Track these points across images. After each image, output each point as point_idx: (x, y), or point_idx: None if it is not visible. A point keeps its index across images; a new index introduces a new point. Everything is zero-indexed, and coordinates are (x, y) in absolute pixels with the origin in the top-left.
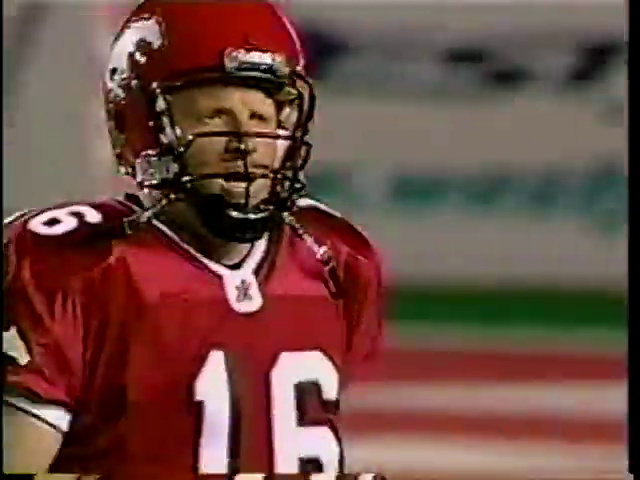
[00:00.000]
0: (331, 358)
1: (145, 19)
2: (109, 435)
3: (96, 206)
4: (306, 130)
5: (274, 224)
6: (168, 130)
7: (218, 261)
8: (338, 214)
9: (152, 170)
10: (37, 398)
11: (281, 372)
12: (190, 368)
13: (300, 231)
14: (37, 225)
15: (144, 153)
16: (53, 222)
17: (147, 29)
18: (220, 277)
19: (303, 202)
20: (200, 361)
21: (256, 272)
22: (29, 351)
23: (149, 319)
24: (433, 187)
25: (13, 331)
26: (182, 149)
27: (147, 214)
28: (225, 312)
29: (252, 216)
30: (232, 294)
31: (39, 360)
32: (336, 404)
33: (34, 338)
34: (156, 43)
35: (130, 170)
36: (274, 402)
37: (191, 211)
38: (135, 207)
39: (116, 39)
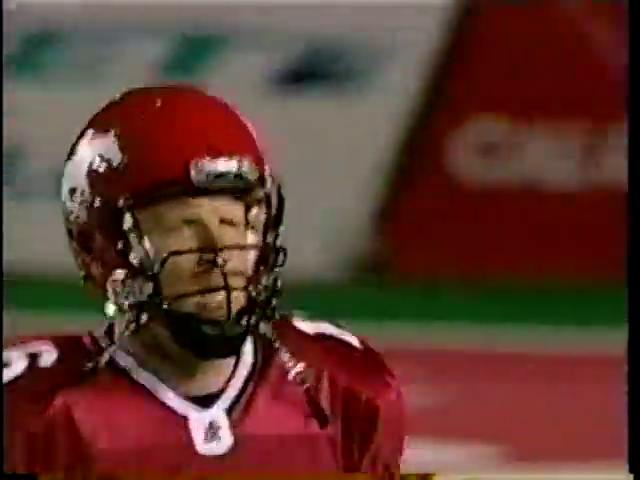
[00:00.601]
0: None
1: (102, 134)
2: None
3: (59, 343)
4: (277, 232)
5: (249, 335)
6: (138, 249)
7: (187, 394)
8: (355, 342)
9: (125, 293)
10: None
11: None
12: None
13: (276, 344)
14: None
15: (114, 274)
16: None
17: (105, 145)
18: (186, 418)
19: (313, 327)
20: None
21: (230, 409)
22: None
23: (100, 469)
24: None
25: None
26: (156, 269)
27: (107, 355)
28: (188, 455)
29: (229, 332)
30: (198, 436)
31: None
32: None
33: None
34: (116, 159)
35: (99, 292)
36: None
37: (163, 331)
38: (102, 342)
39: (70, 156)
